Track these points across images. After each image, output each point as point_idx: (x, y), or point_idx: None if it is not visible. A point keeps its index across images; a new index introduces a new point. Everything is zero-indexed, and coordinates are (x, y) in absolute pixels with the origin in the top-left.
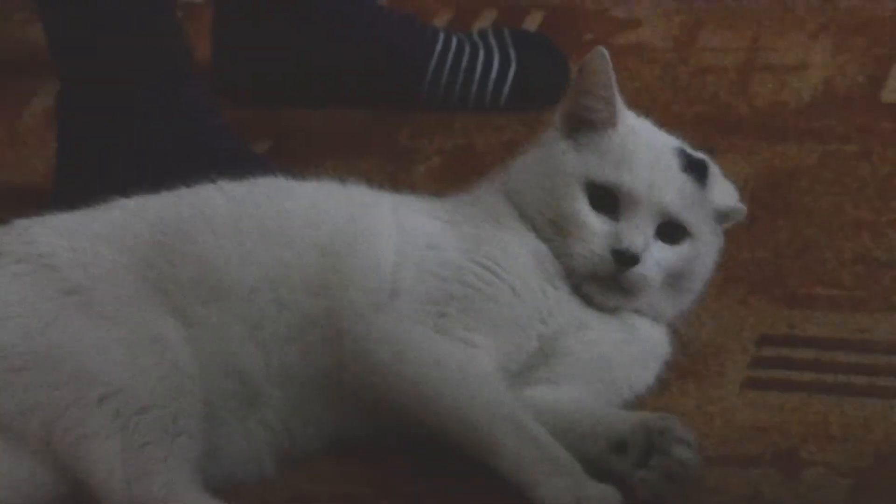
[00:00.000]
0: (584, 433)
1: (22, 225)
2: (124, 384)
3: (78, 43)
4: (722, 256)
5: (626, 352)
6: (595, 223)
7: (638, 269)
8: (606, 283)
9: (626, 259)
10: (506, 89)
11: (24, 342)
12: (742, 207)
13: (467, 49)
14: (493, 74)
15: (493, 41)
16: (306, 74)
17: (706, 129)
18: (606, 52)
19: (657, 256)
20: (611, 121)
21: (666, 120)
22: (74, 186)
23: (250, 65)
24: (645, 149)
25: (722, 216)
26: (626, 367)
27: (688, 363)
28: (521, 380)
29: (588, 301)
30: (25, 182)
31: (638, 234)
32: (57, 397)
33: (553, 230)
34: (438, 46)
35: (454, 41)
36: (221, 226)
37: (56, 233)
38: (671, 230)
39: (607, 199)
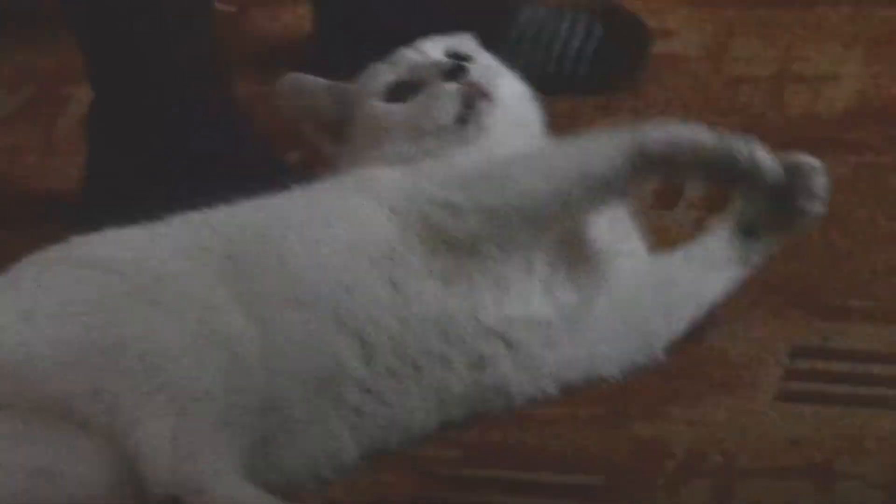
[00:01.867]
0: None
1: (82, 240)
2: (183, 375)
3: (111, 56)
4: (755, 269)
5: None
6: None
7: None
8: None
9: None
10: (584, 65)
11: (87, 334)
12: None
13: (551, 21)
14: (574, 48)
15: (580, 15)
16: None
17: None
18: None
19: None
20: None
21: None
22: (104, 196)
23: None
24: None
25: None
26: None
27: (721, 375)
28: None
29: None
30: (60, 189)
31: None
32: (120, 383)
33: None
34: (523, 16)
35: (540, 12)
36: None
37: (118, 244)
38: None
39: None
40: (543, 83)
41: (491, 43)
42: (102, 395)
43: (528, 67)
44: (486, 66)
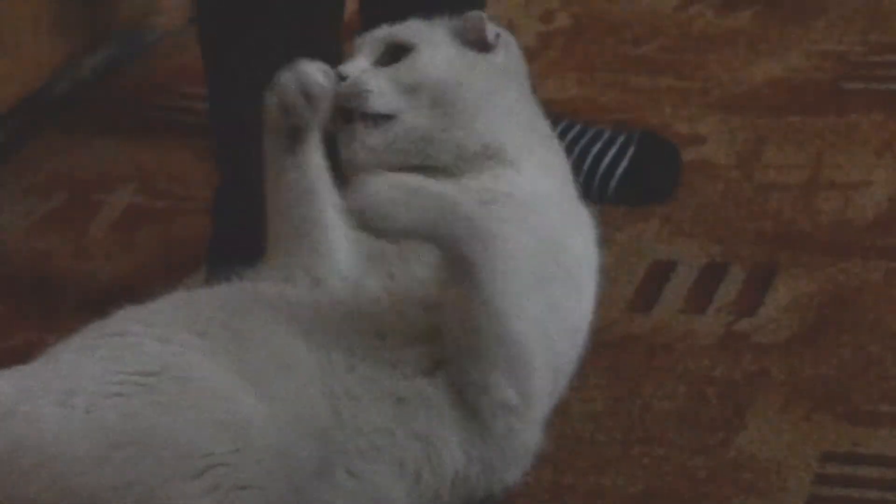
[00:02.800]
0: None
1: (114, 317)
2: (225, 459)
3: (239, 148)
4: (786, 372)
5: None
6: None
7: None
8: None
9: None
10: (614, 182)
11: (123, 421)
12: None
13: (584, 137)
14: (604, 165)
15: (611, 134)
16: None
17: (770, 245)
18: None
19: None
20: None
21: (730, 236)
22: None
23: None
24: None
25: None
26: None
27: (750, 479)
28: None
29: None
30: (89, 295)
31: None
32: (156, 472)
33: None
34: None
35: (575, 128)
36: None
37: (138, 320)
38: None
39: None
40: None
41: None
42: (134, 486)
43: None
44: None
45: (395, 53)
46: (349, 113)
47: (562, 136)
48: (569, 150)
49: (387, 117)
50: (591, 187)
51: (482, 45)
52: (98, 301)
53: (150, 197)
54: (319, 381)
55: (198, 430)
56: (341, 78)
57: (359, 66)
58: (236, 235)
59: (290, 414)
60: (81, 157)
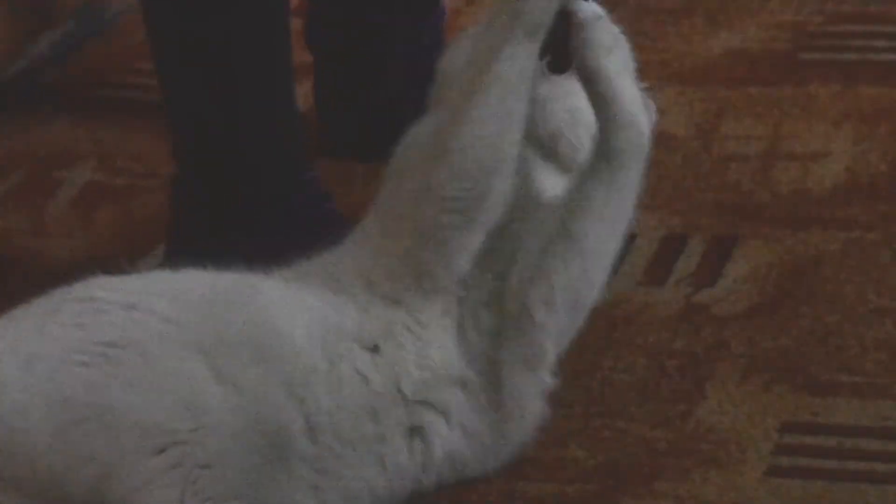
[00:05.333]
0: None
1: (80, 284)
2: (187, 437)
3: (196, 135)
4: (745, 344)
5: None
6: None
7: None
8: None
9: None
10: None
11: (85, 393)
12: None
13: None
14: None
15: None
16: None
17: (729, 216)
18: None
19: None
20: None
21: (689, 207)
22: (185, 257)
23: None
24: None
25: None
26: None
27: (710, 450)
28: None
29: None
30: (49, 272)
31: None
32: (116, 446)
33: None
34: None
35: None
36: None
37: (115, 289)
38: None
39: None
40: None
41: None
42: (93, 460)
43: None
44: None
45: None
46: None
47: None
48: None
49: None
50: None
51: None
52: (57, 279)
53: (109, 174)
54: (292, 381)
55: (160, 407)
56: None
57: None
58: (194, 226)
59: (251, 405)
60: (40, 134)
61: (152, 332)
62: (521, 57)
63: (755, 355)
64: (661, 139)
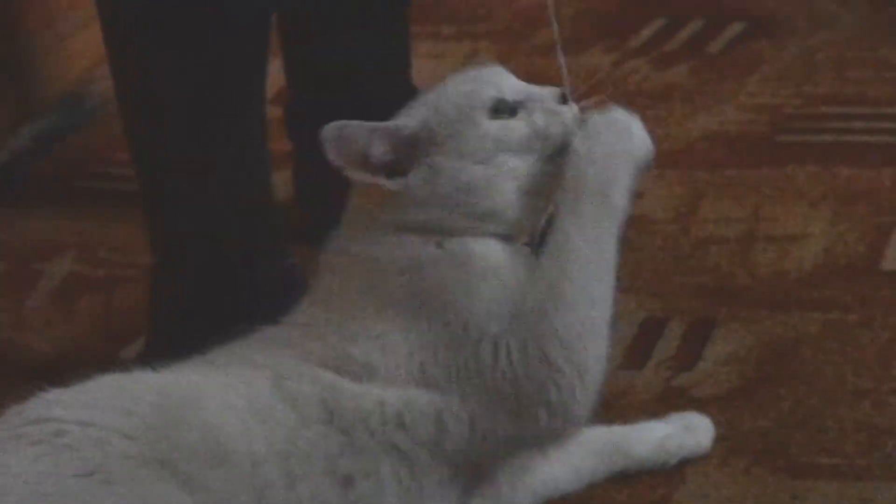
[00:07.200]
0: None
1: (34, 402)
2: None
3: (172, 226)
4: (725, 426)
5: None
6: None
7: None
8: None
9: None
10: None
11: None
12: None
13: None
14: None
15: None
16: None
17: (708, 299)
18: None
19: None
20: None
21: (668, 290)
22: (167, 347)
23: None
24: None
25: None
26: None
27: None
28: None
29: None
30: (30, 365)
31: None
32: None
33: None
34: None
35: None
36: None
37: (67, 407)
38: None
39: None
40: None
41: None
42: None
43: None
44: None
45: None
46: None
47: None
48: None
49: None
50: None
51: None
52: (37, 371)
53: (89, 266)
54: (254, 473)
55: None
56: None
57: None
58: (173, 316)
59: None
60: (20, 226)
61: (113, 454)
62: None
63: (735, 438)
64: (640, 222)
